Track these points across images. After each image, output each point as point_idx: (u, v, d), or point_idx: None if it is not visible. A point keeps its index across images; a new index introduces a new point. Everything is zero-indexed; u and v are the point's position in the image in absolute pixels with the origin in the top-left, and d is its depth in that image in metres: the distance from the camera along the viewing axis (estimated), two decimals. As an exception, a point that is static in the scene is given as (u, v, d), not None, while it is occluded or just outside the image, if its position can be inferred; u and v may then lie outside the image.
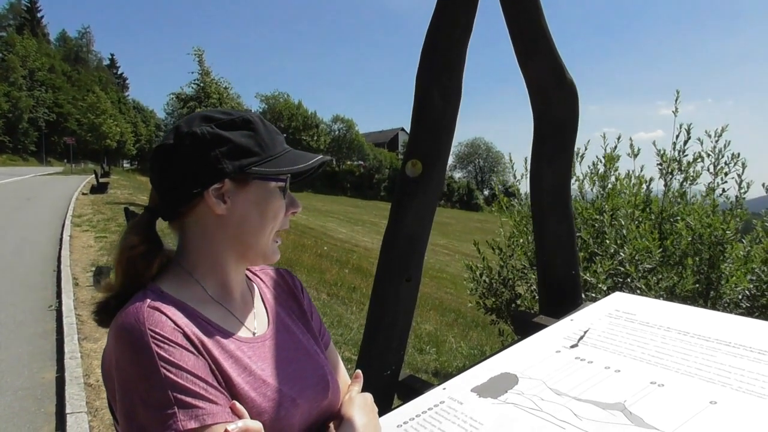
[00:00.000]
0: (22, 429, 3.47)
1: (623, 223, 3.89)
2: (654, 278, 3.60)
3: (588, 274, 3.69)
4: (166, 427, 0.74)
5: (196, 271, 0.92)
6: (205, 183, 0.87)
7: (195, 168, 0.87)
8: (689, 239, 3.75)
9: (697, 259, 3.71)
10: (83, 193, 19.61)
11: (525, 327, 2.01)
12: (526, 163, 4.98)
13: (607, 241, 3.86)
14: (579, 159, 4.52)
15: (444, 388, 1.32)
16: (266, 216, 0.92)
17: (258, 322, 0.98)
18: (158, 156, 0.90)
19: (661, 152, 4.27)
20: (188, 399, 0.76)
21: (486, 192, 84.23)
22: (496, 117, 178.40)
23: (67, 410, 3.60)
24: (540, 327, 1.64)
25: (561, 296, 2.19)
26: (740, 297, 3.63)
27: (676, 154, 4.22)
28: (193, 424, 0.75)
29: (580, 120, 2.10)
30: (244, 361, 0.87)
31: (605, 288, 3.53)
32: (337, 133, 72.10)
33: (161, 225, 0.96)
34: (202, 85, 20.78)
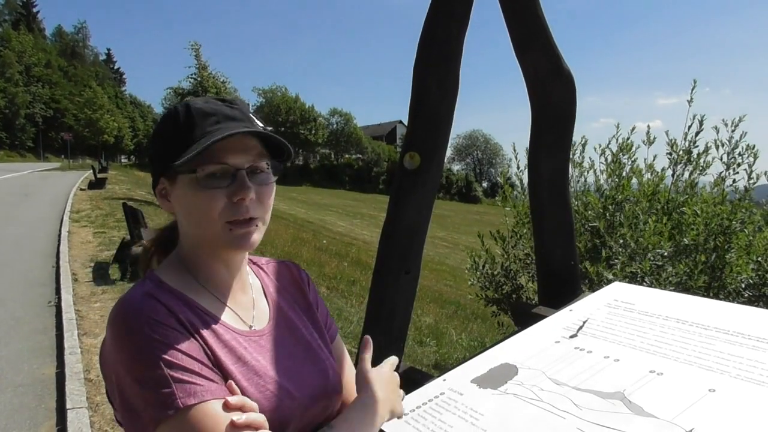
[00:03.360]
0: (22, 425, 3.47)
1: (641, 216, 3.87)
2: (664, 274, 3.59)
3: (606, 270, 3.66)
4: (167, 406, 0.75)
5: (186, 261, 0.94)
6: (154, 184, 0.94)
7: (152, 171, 0.94)
8: (698, 229, 3.73)
9: (705, 248, 3.70)
10: (81, 189, 19.57)
11: (524, 318, 2.01)
12: (515, 149, 4.99)
13: (622, 232, 3.84)
14: (600, 151, 4.51)
15: (444, 380, 1.32)
16: (197, 208, 0.86)
17: (258, 315, 0.98)
18: None
19: (672, 142, 4.25)
20: (185, 376, 0.77)
21: (485, 184, 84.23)
22: (494, 109, 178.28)
23: (68, 406, 3.61)
24: (539, 317, 1.64)
25: (560, 286, 2.19)
26: (743, 286, 3.63)
27: (687, 144, 4.20)
28: (192, 400, 0.75)
29: (577, 111, 2.09)
30: (239, 352, 0.87)
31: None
32: (335, 126, 71.92)
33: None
34: (199, 79, 20.68)
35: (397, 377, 1.03)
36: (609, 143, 4.49)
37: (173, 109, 0.90)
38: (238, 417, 0.76)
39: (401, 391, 1.06)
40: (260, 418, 0.79)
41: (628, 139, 4.33)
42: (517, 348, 1.42)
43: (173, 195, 0.90)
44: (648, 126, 4.31)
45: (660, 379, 1.15)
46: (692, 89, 4.19)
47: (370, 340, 1.05)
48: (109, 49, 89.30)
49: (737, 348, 1.23)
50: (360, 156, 71.79)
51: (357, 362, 1.00)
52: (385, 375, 1.00)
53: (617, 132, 4.39)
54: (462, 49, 1.86)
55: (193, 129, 0.86)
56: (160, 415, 0.74)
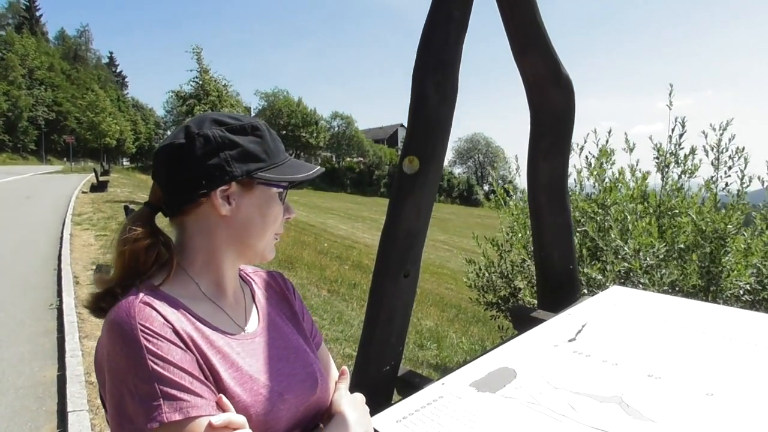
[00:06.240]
0: (23, 427, 3.47)
1: (629, 218, 3.89)
2: (657, 274, 3.60)
3: (595, 271, 3.69)
4: (151, 419, 0.76)
5: (191, 268, 0.94)
6: (214, 184, 0.90)
7: (205, 169, 0.89)
8: (691, 233, 3.75)
9: (699, 252, 3.71)
10: (83, 192, 19.58)
11: (523, 321, 2.01)
12: (516, 159, 5.04)
13: (612, 235, 3.86)
14: (578, 152, 4.55)
15: (443, 383, 1.33)
16: (267, 219, 0.95)
17: (249, 320, 1.00)
18: (167, 154, 0.92)
19: (658, 146, 4.29)
20: (174, 392, 0.78)
21: (486, 187, 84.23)
22: (496, 112, 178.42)
23: (69, 408, 3.61)
24: (538, 321, 1.65)
25: (559, 290, 2.20)
26: (741, 291, 3.63)
27: (673, 147, 4.24)
28: (176, 416, 0.77)
29: (578, 114, 2.10)
30: (231, 357, 0.89)
31: (612, 285, 3.53)
32: (336, 129, 71.99)
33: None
34: (201, 83, 20.73)
35: (366, 407, 1.06)
36: (585, 141, 4.52)
37: (253, 124, 0.94)
38: None
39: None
40: None
41: (607, 142, 4.38)
42: (516, 352, 1.42)
43: (243, 201, 0.92)
44: (626, 134, 4.38)
45: (658, 383, 1.15)
46: (670, 93, 4.26)
47: (347, 371, 1.10)
48: (111, 53, 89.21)
49: (735, 352, 1.23)
50: (361, 159, 71.82)
51: (334, 391, 1.05)
52: (358, 399, 1.05)
53: (596, 136, 4.44)
54: (461, 53, 1.87)
55: (278, 151, 0.96)
56: (144, 427, 0.76)
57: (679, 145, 4.20)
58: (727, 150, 3.93)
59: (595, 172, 4.40)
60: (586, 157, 4.51)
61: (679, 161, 4.19)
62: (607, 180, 4.29)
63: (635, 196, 4.12)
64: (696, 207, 3.80)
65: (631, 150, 4.30)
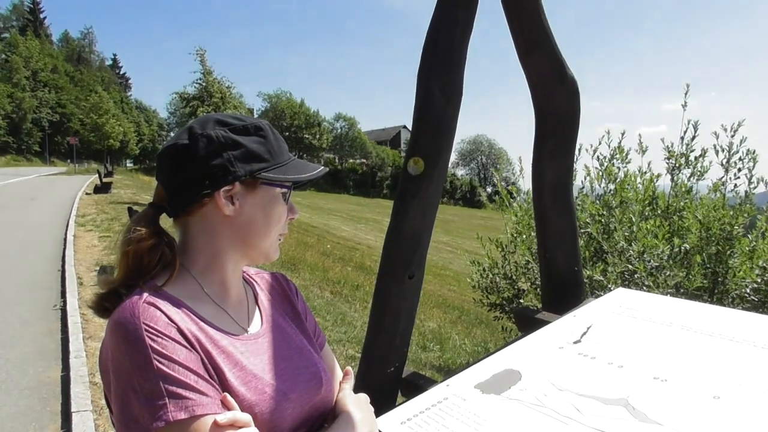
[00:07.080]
0: (27, 428, 3.48)
1: (633, 219, 3.89)
2: (662, 276, 3.60)
3: (597, 273, 3.69)
4: (157, 418, 0.76)
5: (194, 269, 0.94)
6: (217, 184, 0.90)
7: (208, 169, 0.89)
8: (698, 234, 3.75)
9: (705, 255, 3.71)
10: (87, 193, 19.63)
11: (528, 323, 2.01)
12: (521, 161, 5.05)
13: (616, 237, 3.86)
14: (592, 153, 4.55)
15: (447, 385, 1.32)
16: (271, 220, 0.95)
17: (252, 321, 1.00)
18: (170, 155, 0.92)
19: (669, 147, 4.29)
20: (179, 390, 0.78)
21: (489, 189, 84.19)
22: (499, 114, 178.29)
23: (73, 409, 3.62)
24: (543, 323, 1.64)
25: (563, 292, 2.19)
26: (747, 291, 3.62)
27: (684, 149, 4.24)
28: (182, 415, 0.77)
29: (582, 116, 2.10)
30: (235, 357, 0.89)
31: (614, 287, 3.53)
32: (339, 131, 72.16)
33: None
34: (204, 84, 20.80)
35: (371, 407, 1.07)
36: (600, 143, 4.53)
37: (256, 124, 0.94)
38: None
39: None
40: None
41: (620, 143, 4.39)
42: (521, 354, 1.42)
43: (247, 201, 0.92)
44: (639, 135, 4.37)
45: (664, 385, 1.15)
46: (686, 93, 4.27)
47: (351, 371, 1.10)
48: (115, 55, 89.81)
49: (742, 355, 1.23)
50: (364, 161, 71.93)
51: (338, 391, 1.05)
52: (362, 398, 1.05)
53: (608, 137, 4.44)
54: (466, 55, 1.87)
55: (282, 151, 0.96)
56: (150, 426, 0.76)
57: (690, 147, 4.20)
58: (737, 152, 3.93)
59: (603, 174, 4.39)
60: (598, 158, 4.51)
61: (690, 163, 4.19)
62: (618, 180, 4.29)
63: (644, 198, 4.11)
64: (704, 208, 3.80)
65: (644, 152, 4.30)
